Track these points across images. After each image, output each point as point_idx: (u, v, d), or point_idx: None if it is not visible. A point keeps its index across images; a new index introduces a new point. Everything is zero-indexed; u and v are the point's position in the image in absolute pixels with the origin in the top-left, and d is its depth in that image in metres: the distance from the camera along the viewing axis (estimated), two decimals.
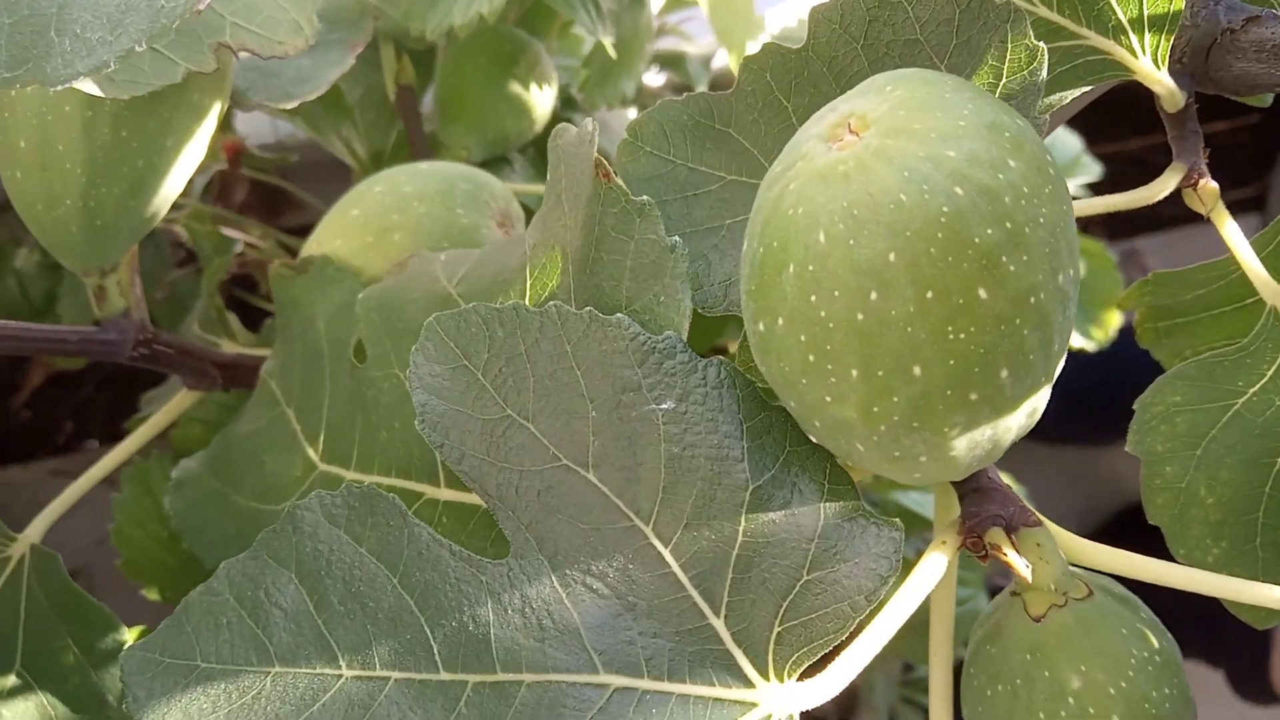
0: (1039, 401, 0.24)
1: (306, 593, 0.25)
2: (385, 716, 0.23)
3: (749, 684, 0.23)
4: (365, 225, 0.42)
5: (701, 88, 0.81)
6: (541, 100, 0.56)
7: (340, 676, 0.24)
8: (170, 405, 0.48)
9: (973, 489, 0.27)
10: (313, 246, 0.43)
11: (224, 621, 0.25)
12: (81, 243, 0.39)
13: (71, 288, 0.94)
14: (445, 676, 0.23)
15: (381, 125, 0.62)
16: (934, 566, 0.25)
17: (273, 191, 0.70)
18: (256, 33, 0.31)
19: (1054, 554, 0.26)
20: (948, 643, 0.27)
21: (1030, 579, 0.25)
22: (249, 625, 0.25)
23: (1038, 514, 0.27)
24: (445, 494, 0.30)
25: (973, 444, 0.23)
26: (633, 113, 0.68)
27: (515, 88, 0.54)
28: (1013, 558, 0.25)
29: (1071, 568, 0.27)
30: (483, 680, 0.23)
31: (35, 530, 0.46)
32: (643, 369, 0.25)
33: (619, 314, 0.25)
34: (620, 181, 0.28)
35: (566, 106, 0.62)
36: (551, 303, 0.26)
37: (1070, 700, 0.25)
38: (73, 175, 0.37)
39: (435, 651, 0.24)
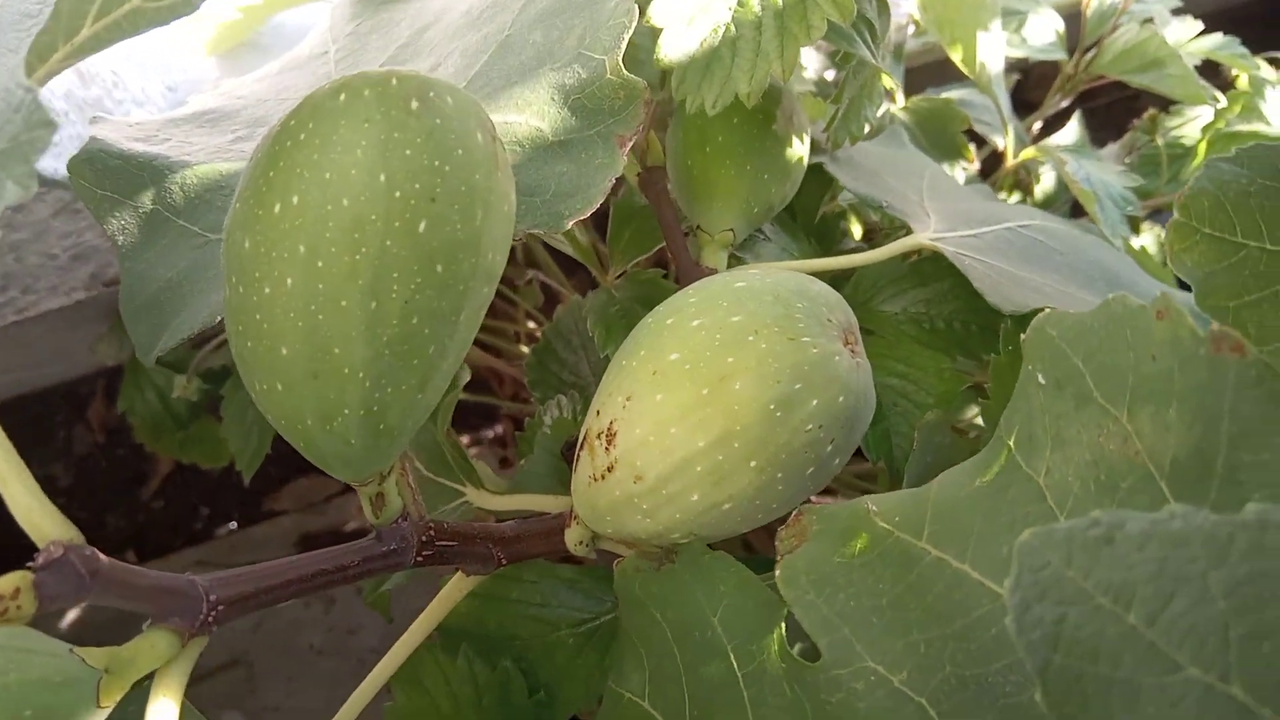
0: None
1: None
2: None
3: None
4: (694, 373, 0.32)
5: (893, 75, 0.70)
6: (801, 153, 0.46)
7: None
8: (443, 595, 0.40)
9: None
10: (616, 401, 0.34)
11: None
12: (361, 453, 0.30)
13: (235, 405, 0.88)
14: None
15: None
16: None
17: None
18: None
19: None
20: None
21: None
22: None
23: None
24: None
25: None
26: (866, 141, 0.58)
27: (774, 146, 0.44)
28: None
29: None
30: None
31: None
32: None
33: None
34: (1254, 351, 0.18)
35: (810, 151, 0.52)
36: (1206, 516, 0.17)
37: None
38: (353, 380, 0.28)
39: None
